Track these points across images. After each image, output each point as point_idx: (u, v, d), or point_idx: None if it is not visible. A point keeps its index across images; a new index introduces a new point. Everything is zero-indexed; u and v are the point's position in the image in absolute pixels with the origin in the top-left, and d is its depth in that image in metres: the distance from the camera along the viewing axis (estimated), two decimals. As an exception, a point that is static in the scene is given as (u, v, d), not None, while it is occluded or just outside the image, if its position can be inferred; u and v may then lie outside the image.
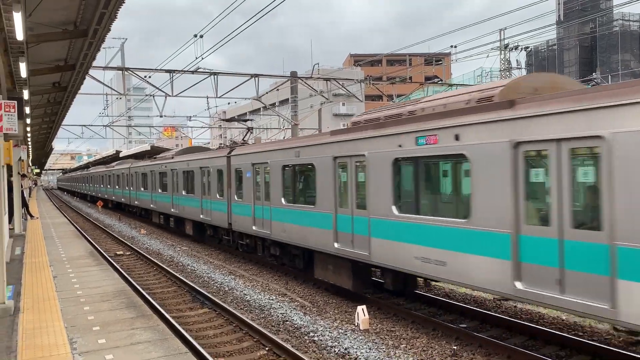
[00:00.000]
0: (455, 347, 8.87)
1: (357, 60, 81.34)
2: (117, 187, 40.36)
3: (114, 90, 27.48)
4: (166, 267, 16.49)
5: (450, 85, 35.10)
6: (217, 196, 19.01)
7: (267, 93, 34.77)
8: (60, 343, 7.31)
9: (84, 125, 41.35)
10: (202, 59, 22.62)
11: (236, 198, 17.44)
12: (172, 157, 25.52)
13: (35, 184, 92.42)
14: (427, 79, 54.12)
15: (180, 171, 23.61)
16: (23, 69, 11.38)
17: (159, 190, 27.52)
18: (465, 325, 10.04)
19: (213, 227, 20.70)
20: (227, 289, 13.96)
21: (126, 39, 23.42)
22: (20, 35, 8.96)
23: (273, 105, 54.43)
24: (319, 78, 27.86)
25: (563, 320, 10.50)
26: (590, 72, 48.90)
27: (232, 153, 17.86)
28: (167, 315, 10.72)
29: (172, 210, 24.95)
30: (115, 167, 40.49)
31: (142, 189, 31.71)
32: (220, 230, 19.89)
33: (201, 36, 21.05)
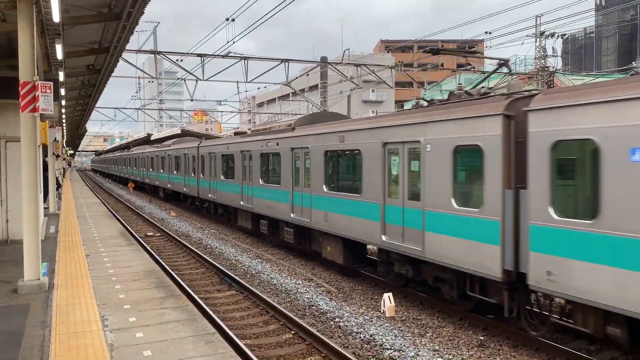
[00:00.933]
0: (482, 338, 8.79)
1: (388, 46, 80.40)
2: (175, 172, 33.09)
3: (146, 73, 27.81)
4: (195, 249, 16.74)
5: (483, 72, 34.41)
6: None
7: (296, 78, 34.74)
8: (92, 320, 7.50)
9: (117, 108, 42.01)
10: (234, 42, 22.62)
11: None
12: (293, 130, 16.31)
13: (69, 165, 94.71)
14: (460, 66, 53.17)
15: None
16: (59, 51, 11.59)
17: (223, 178, 22.17)
18: (492, 316, 9.92)
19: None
20: (254, 272, 14.10)
21: (159, 22, 23.67)
22: (56, 16, 9.10)
23: (302, 90, 54.35)
24: (348, 64, 27.65)
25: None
26: (629, 61, 47.28)
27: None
28: (196, 296, 10.90)
29: (265, 207, 17.57)
30: (172, 147, 32.85)
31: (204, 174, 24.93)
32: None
33: (233, 20, 21.07)
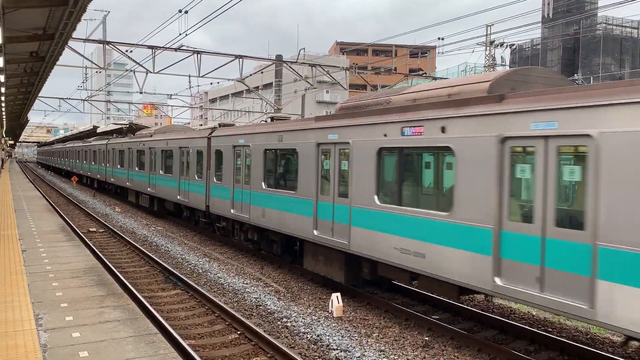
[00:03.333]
0: (426, 338, 8.91)
1: (343, 48, 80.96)
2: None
3: (94, 63, 26.81)
4: (139, 246, 16.26)
5: (435, 78, 35.14)
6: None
7: (250, 75, 34.39)
8: (25, 319, 7.12)
9: (62, 98, 40.29)
10: (186, 35, 22.15)
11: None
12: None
13: (10, 156, 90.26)
14: (412, 71, 54.12)
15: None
16: (-2, 35, 10.97)
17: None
18: (437, 317, 10.10)
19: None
20: (200, 271, 13.81)
21: (109, 11, 22.86)
22: (-4, -2, 8.60)
23: (257, 88, 53.88)
24: (303, 63, 27.61)
25: (533, 315, 10.64)
26: (572, 74, 49.47)
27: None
28: (139, 295, 10.56)
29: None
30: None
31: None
32: None
33: (186, 12, 20.59)
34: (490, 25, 32.05)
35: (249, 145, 14.68)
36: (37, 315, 7.30)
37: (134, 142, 26.78)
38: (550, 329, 9.73)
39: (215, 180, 17.03)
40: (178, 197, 20.10)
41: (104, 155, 33.95)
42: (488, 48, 32.81)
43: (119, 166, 29.71)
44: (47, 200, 26.94)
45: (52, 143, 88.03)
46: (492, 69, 33.74)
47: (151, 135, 24.86)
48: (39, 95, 28.67)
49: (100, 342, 6.38)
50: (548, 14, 30.35)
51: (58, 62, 16.91)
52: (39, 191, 32.30)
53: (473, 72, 45.40)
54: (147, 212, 26.52)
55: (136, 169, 26.22)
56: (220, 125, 19.56)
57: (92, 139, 42.62)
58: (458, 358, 8.26)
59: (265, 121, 21.02)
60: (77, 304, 7.95)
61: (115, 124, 39.07)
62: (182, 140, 20.16)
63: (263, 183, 13.88)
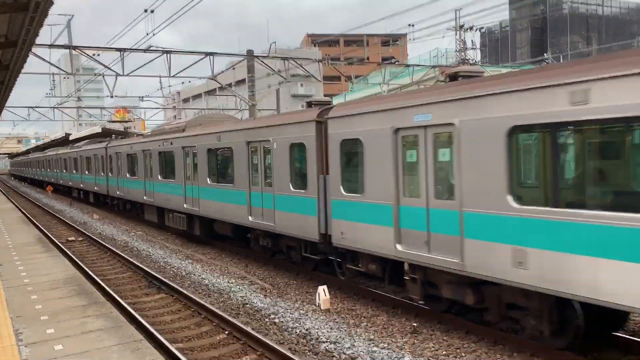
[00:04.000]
0: (414, 324, 8.94)
1: (315, 39, 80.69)
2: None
3: (61, 69, 26.22)
4: (120, 253, 16.00)
5: (408, 65, 35.24)
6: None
7: (222, 72, 34.03)
8: (4, 334, 6.92)
9: (30, 107, 39.39)
10: (154, 35, 21.76)
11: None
12: None
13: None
14: (385, 59, 54.25)
15: None
16: (-43, 44, 10.61)
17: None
18: (423, 303, 10.12)
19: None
20: (184, 273, 13.65)
21: (73, 15, 22.30)
22: (-50, 6, 8.29)
23: (229, 85, 53.43)
24: (275, 57, 27.39)
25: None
26: (541, 53, 50.11)
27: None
28: (122, 302, 10.38)
29: None
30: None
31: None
32: None
33: (152, 11, 20.23)
34: (458, 10, 32.20)
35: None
36: (16, 330, 7.11)
37: (153, 142, 20.50)
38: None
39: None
40: (250, 218, 13.68)
41: (104, 161, 28.03)
42: (458, 32, 32.99)
43: (128, 175, 23.83)
44: (21, 212, 26.37)
45: (26, 152, 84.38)
46: (463, 54, 33.98)
47: (183, 130, 18.23)
48: (6, 105, 27.95)
49: (84, 352, 6.24)
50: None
51: (23, 70, 16.45)
52: (13, 203, 31.61)
53: (445, 57, 45.66)
54: (127, 218, 26.10)
55: (160, 177, 19.93)
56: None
57: (83, 143, 39.08)
58: (447, 341, 8.30)
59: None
60: (58, 315, 7.77)
61: (111, 124, 37.96)
62: (257, 130, 13.42)
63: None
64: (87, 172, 32.11)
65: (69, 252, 16.08)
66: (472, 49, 40.31)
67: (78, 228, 22.27)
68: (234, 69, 40.20)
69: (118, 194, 25.60)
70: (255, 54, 26.24)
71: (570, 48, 55.60)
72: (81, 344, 6.55)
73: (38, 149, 69.93)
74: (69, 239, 19.88)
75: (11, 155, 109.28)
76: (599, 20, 62.06)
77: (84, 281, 10.12)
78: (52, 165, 46.11)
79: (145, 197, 21.43)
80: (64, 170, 39.72)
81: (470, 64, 34.69)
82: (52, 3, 10.06)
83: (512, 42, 62.26)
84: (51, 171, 46.13)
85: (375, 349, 8.01)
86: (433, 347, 8.12)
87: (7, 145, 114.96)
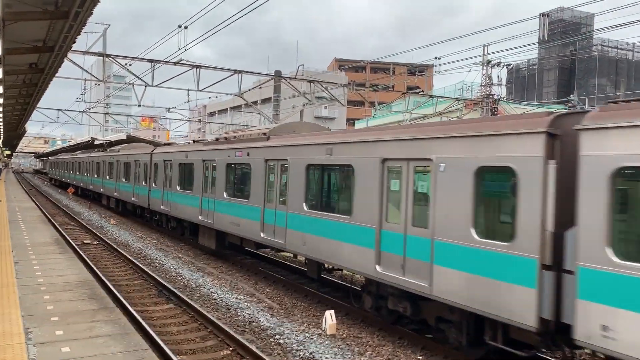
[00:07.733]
0: (420, 357, 8.85)
1: (342, 65, 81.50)
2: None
3: (93, 76, 26.90)
4: (133, 260, 16.17)
5: (432, 96, 35.38)
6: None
7: (249, 90, 34.53)
8: (15, 332, 7.06)
9: (60, 110, 40.38)
10: (185, 50, 22.26)
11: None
12: None
13: (6, 166, 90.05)
14: (410, 88, 54.44)
15: None
16: (-2, 47, 11.01)
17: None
18: (431, 336, 10.03)
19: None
20: (194, 285, 13.74)
21: (109, 24, 22.79)
22: (-4, 11, 8.64)
23: (255, 102, 54.13)
24: (302, 79, 27.76)
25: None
26: (568, 94, 49.87)
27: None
28: (131, 309, 10.48)
29: None
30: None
31: None
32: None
33: (185, 27, 20.75)
34: (487, 46, 32.37)
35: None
36: (27, 329, 7.24)
37: (220, 151, 16.80)
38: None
39: None
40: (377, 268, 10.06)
41: (147, 169, 24.45)
42: (485, 67, 33.10)
43: (178, 188, 20.15)
44: (42, 211, 26.84)
45: (53, 153, 78.49)
46: (488, 88, 34.00)
47: (267, 139, 14.25)
48: (37, 106, 28.67)
49: (90, 357, 6.32)
50: (544, 36, 30.69)
51: (57, 74, 16.94)
52: (34, 202, 32.20)
53: (470, 91, 45.72)
54: (143, 225, 26.38)
55: (225, 195, 16.16)
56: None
57: (120, 147, 35.18)
58: (451, 378, 8.19)
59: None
60: (68, 317, 7.89)
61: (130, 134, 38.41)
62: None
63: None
64: (124, 180, 28.52)
65: (83, 255, 16.30)
66: (498, 84, 40.32)
67: (94, 232, 22.58)
68: (260, 87, 40.77)
69: (162, 209, 21.68)
70: (282, 75, 26.63)
71: (597, 91, 55.28)
72: (88, 348, 6.64)
73: (64, 150, 70.77)
74: (85, 241, 20.16)
75: (37, 155, 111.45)
76: (628, 64, 61.69)
77: (95, 285, 10.27)
78: (82, 169, 43.19)
79: (200, 217, 17.63)
80: (95, 175, 36.28)
81: (495, 99, 34.70)
82: (91, 14, 10.42)
83: (539, 80, 62.13)
84: (80, 175, 43.29)
85: (377, 379, 7.94)
86: (436, 382, 8.02)
87: (34, 144, 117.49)
